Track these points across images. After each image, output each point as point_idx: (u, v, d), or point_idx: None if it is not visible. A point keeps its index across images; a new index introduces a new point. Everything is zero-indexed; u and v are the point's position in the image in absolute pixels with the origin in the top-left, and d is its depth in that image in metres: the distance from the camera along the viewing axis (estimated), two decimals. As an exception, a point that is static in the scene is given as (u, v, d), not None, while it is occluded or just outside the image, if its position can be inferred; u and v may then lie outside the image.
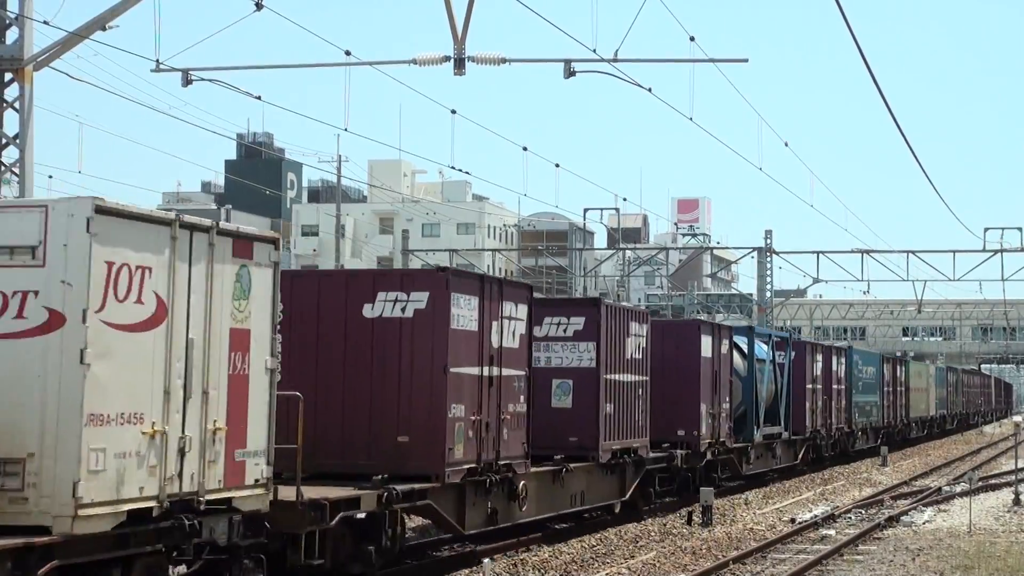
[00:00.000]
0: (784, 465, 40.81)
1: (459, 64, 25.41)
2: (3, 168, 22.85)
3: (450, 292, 18.99)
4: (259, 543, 14.66)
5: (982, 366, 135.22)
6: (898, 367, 61.63)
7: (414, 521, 23.27)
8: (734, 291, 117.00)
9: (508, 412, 20.57)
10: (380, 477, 18.13)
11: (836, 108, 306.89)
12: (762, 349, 38.24)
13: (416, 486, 18.35)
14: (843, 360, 49.59)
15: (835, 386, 47.45)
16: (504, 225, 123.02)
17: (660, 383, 29.16)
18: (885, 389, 57.55)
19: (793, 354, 41.79)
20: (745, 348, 36.40)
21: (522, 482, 21.39)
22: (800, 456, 42.56)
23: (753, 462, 36.62)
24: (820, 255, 64.14)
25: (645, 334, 27.28)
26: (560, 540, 23.95)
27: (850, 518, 29.21)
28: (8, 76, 22.62)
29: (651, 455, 27.89)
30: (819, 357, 45.36)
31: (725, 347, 32.97)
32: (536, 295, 22.80)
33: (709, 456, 31.80)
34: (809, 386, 43.34)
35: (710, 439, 31.52)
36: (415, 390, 18.81)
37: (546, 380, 24.34)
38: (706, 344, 31.48)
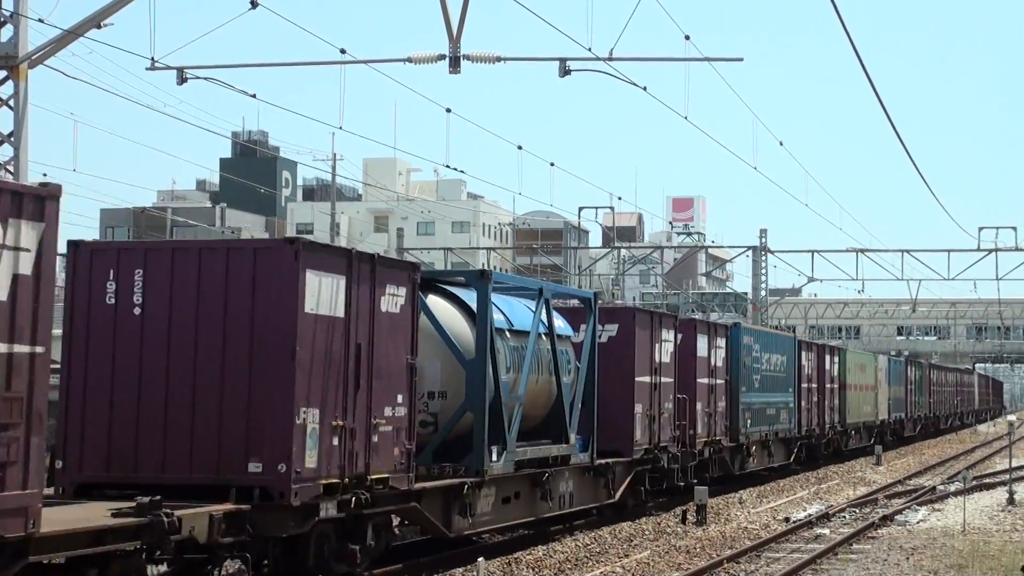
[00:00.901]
0: (579, 508, 25.08)
1: (454, 63, 25.42)
2: (-3, 166, 22.82)
3: None
4: None
5: (976, 365, 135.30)
6: (827, 357, 47.77)
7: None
8: (729, 290, 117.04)
9: None
10: None
11: (831, 107, 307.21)
12: (521, 314, 22.60)
13: None
14: (722, 342, 34.12)
15: (704, 380, 32.17)
16: (499, 224, 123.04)
17: (177, 367, 15.75)
18: (805, 386, 43.84)
19: (614, 328, 26.59)
20: (476, 309, 20.64)
21: None
22: (620, 490, 26.60)
23: (489, 511, 20.95)
24: (815, 254, 64.27)
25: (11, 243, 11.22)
26: (554, 539, 23.96)
27: (844, 517, 29.23)
28: (3, 74, 22.61)
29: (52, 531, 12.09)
30: (667, 335, 28.73)
31: (394, 301, 17.68)
32: None
33: (330, 511, 16.19)
34: (643, 379, 27.17)
35: (338, 476, 16.28)
36: None
37: None
38: (320, 289, 16.03)
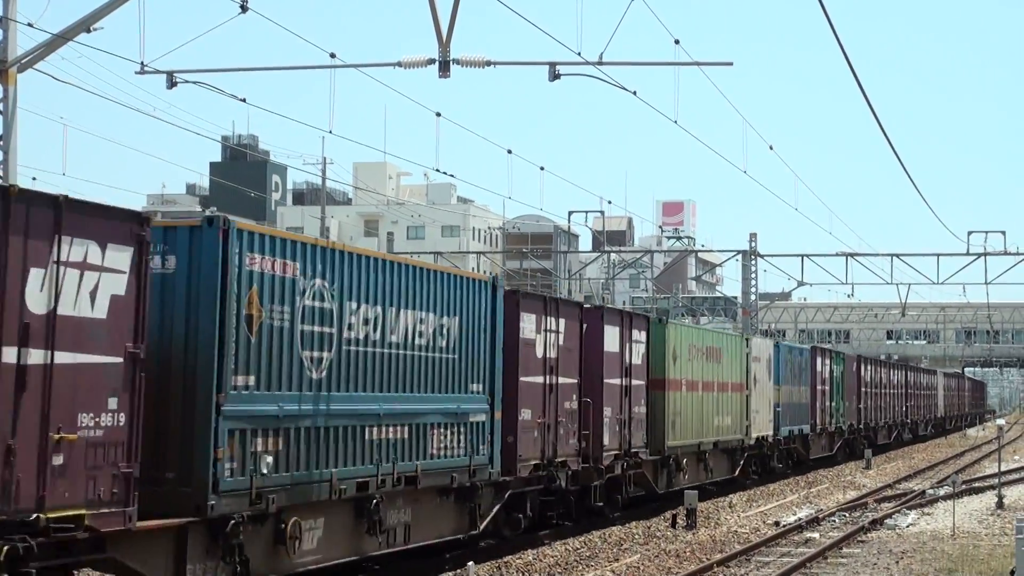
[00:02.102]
0: None
1: (444, 67, 25.38)
2: (-13, 170, 22.78)
3: None
4: None
5: (965, 369, 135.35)
6: (619, 330, 27.51)
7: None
8: (719, 294, 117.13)
9: None
10: None
11: (821, 111, 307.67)
12: None
13: None
14: (121, 259, 12.88)
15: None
16: (489, 228, 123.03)
17: None
18: (536, 381, 23.25)
19: None
20: None
21: None
22: None
23: None
24: (805, 258, 64.24)
25: None
26: (544, 543, 23.96)
27: (834, 521, 29.26)
28: (-8, 78, 22.57)
29: None
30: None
31: None
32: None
33: None
34: None
35: None
36: None
37: None
38: None
